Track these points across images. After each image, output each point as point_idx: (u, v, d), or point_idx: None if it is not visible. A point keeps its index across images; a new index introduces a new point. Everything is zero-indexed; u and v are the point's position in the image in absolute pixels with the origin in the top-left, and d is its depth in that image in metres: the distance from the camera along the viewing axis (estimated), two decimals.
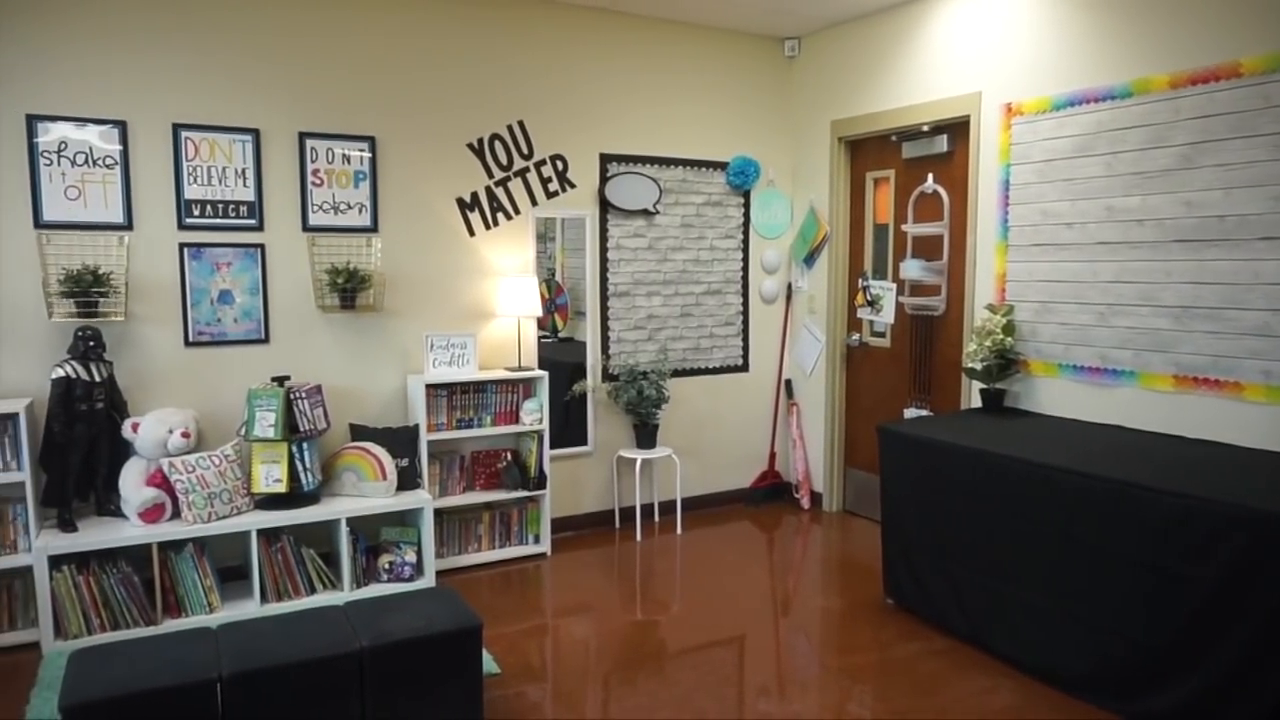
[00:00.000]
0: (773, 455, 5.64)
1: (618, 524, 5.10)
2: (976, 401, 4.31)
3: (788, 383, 5.63)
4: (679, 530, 5.04)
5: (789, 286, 5.59)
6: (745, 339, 5.49)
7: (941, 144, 4.56)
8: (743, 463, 5.58)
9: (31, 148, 3.62)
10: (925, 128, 4.64)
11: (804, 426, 5.54)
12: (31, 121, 3.62)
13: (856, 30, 4.99)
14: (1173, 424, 3.57)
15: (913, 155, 4.76)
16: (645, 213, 5.03)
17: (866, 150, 5.11)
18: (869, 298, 5.01)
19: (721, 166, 5.28)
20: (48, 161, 3.66)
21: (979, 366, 4.09)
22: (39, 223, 3.66)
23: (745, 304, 5.46)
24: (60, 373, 3.53)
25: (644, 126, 4.99)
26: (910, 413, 4.84)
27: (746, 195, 5.40)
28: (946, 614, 3.61)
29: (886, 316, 4.91)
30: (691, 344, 5.29)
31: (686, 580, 4.30)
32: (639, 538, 4.91)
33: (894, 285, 4.87)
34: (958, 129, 4.48)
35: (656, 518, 5.21)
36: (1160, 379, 3.60)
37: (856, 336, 5.23)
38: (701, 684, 3.25)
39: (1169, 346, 3.56)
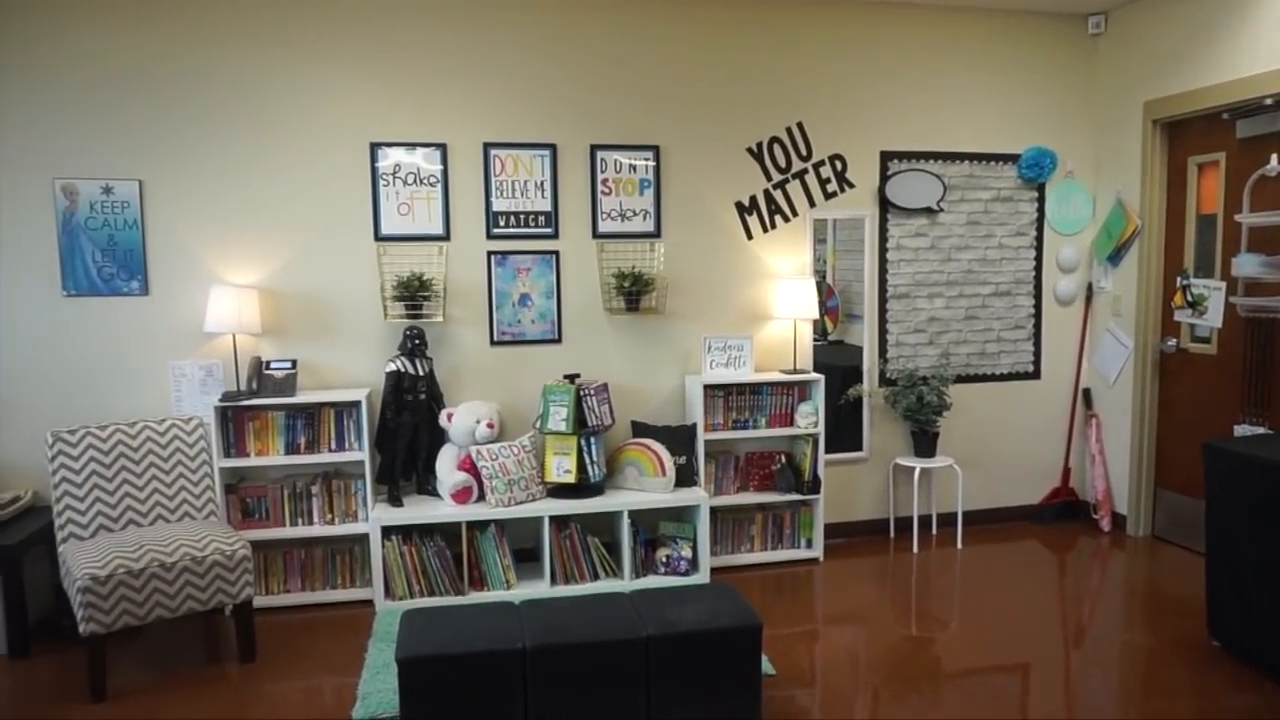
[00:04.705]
0: (1067, 471, 5.18)
1: (893, 534, 4.93)
2: None
3: (1086, 392, 5.14)
4: (959, 545, 4.77)
5: (1089, 287, 5.10)
6: (1037, 344, 5.08)
7: None
8: (1032, 477, 5.17)
9: (373, 171, 4.18)
10: (1268, 101, 4.03)
11: (1105, 440, 5.03)
12: (374, 149, 4.17)
13: None
14: None
15: (1251, 134, 4.16)
16: (928, 211, 4.82)
17: (1188, 132, 4.54)
18: (1189, 298, 4.45)
19: (1012, 159, 4.93)
20: (385, 183, 4.20)
21: None
22: (378, 236, 4.21)
23: (1037, 306, 5.06)
24: (392, 367, 4.04)
25: (927, 121, 4.79)
26: (1242, 430, 4.23)
27: (1041, 189, 5.00)
28: None
29: (1212, 319, 4.33)
30: (976, 348, 4.99)
31: (966, 598, 4.06)
32: (915, 549, 4.71)
33: (1223, 284, 4.28)
34: None
35: (934, 530, 4.97)
36: None
37: (1173, 342, 4.66)
38: (979, 710, 3.05)
39: None
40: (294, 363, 4.06)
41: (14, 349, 3.94)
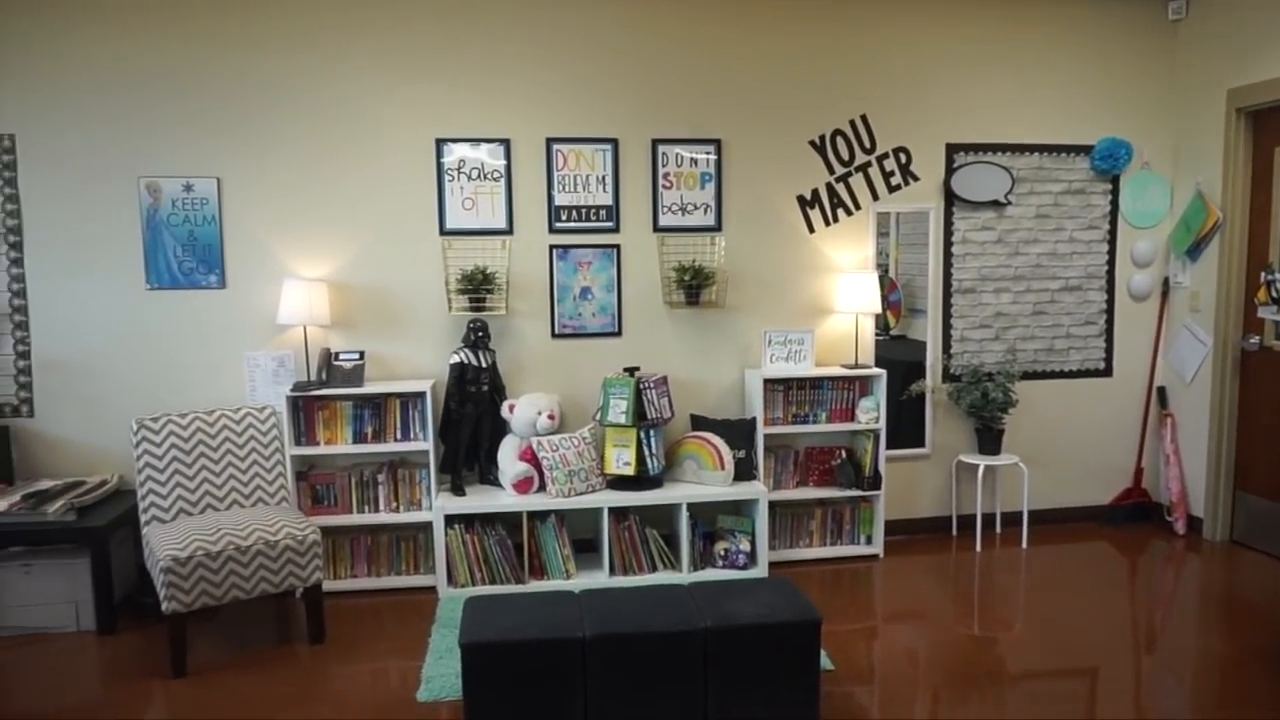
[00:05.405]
0: (1139, 471, 5.03)
1: (955, 531, 4.86)
2: None
3: (1160, 390, 4.98)
4: (1024, 544, 4.67)
5: (1166, 282, 4.94)
6: (1109, 340, 4.94)
7: None
8: (1101, 477, 5.04)
9: (439, 167, 4.26)
10: None
11: (1181, 440, 4.87)
12: (439, 144, 4.25)
13: None
14: None
15: None
16: (995, 204, 4.72)
17: (1275, 121, 4.35)
18: (1274, 294, 4.26)
19: (1085, 150, 4.79)
20: (450, 178, 4.27)
21: None
22: (443, 230, 4.29)
23: (1110, 301, 4.92)
24: (456, 359, 4.12)
25: (995, 113, 4.68)
26: None
27: (1115, 181, 4.85)
28: None
29: None
30: (1044, 344, 4.88)
31: (1031, 598, 3.98)
32: (978, 548, 4.63)
33: None
34: None
35: (998, 529, 4.88)
36: None
37: (1255, 339, 4.48)
38: (1044, 714, 2.99)
39: None
40: (362, 354, 4.17)
41: (102, 340, 4.13)
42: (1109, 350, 4.95)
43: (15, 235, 4.04)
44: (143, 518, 3.60)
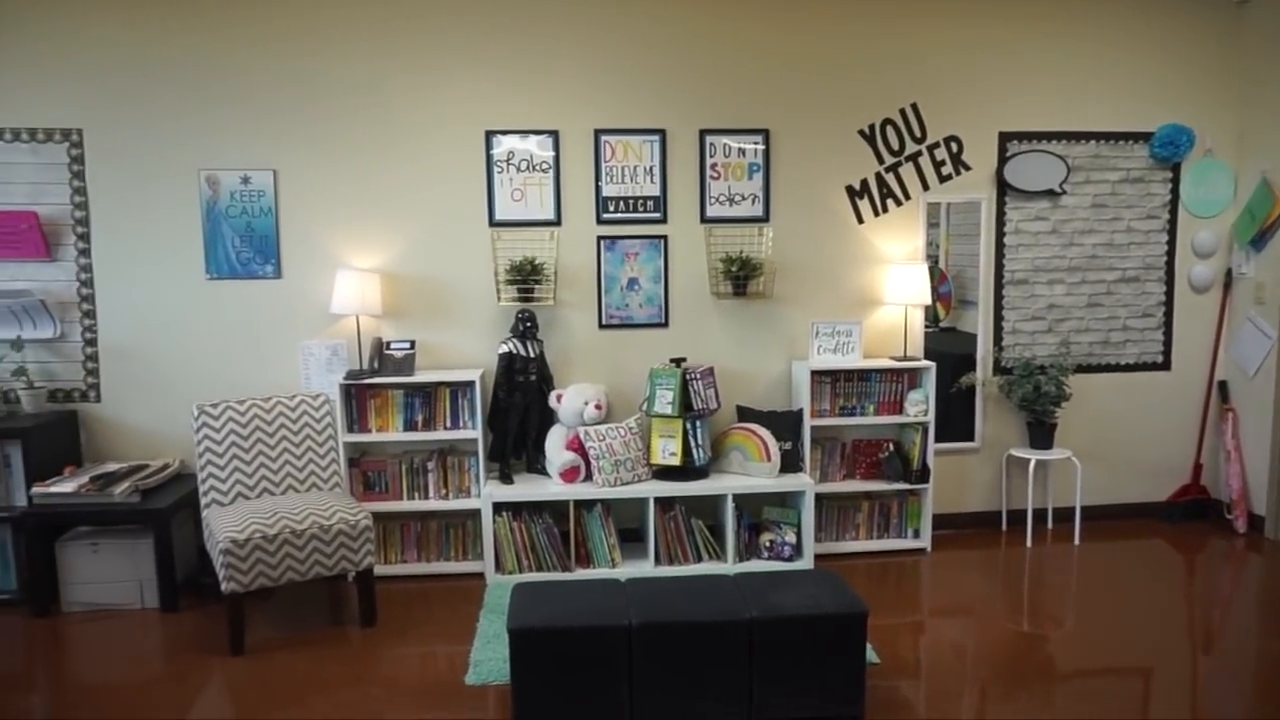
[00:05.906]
0: (1198, 467, 4.90)
1: (1004, 526, 4.79)
2: None
3: (1222, 384, 4.85)
4: (1076, 541, 4.59)
5: (1228, 273, 4.80)
6: (1168, 333, 4.82)
7: None
8: (1158, 473, 4.92)
9: (488, 159, 4.30)
10: None
11: (1242, 436, 4.74)
12: (489, 136, 4.29)
13: None
14: None
15: None
16: (1049, 193, 4.63)
17: None
18: None
19: (1144, 138, 4.67)
20: (499, 169, 4.32)
21: None
22: (492, 221, 4.34)
23: (1169, 293, 4.79)
24: (505, 349, 4.17)
25: (1050, 100, 4.58)
26: None
27: (1176, 169, 4.72)
28: None
29: None
30: (1100, 337, 4.77)
31: (1083, 596, 3.91)
32: (1029, 544, 4.56)
33: None
34: None
35: (1050, 524, 4.80)
36: None
37: None
38: (1094, 713, 2.94)
39: None
40: (412, 343, 4.24)
41: (165, 328, 4.26)
42: (1168, 343, 4.83)
43: (83, 226, 4.18)
44: (203, 500, 3.72)
